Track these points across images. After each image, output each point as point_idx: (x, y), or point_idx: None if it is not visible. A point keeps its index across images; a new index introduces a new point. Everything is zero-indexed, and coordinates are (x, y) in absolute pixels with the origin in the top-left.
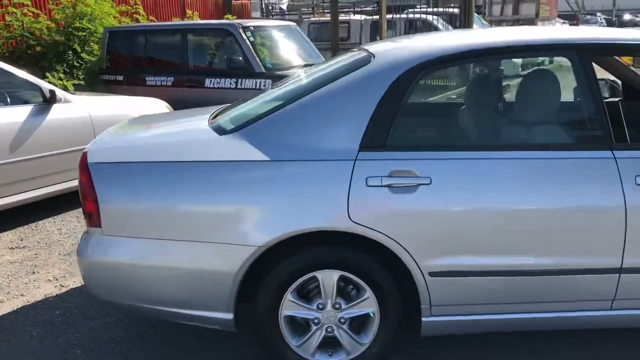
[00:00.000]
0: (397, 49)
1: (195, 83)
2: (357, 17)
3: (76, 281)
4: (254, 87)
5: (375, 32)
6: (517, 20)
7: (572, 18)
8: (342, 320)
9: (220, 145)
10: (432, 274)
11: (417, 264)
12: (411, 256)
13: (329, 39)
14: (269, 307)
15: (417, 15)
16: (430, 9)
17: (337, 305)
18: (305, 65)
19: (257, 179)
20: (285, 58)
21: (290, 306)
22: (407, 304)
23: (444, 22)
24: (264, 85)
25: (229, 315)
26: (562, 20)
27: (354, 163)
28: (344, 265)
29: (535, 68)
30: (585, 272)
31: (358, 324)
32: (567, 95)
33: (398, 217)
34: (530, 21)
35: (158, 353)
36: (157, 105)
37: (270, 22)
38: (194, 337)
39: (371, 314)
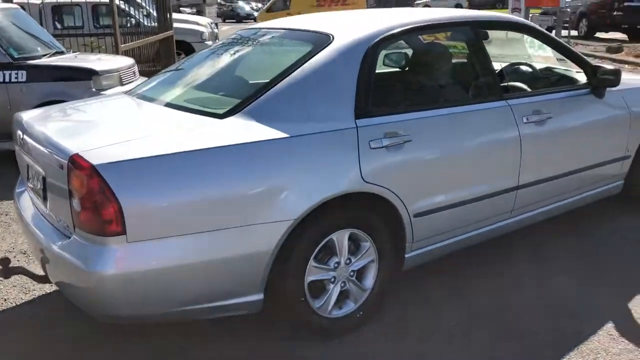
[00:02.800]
0: (348, 27)
1: None
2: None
3: None
4: (3, 80)
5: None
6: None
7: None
8: (352, 273)
9: (231, 128)
10: (415, 215)
11: (407, 210)
12: (403, 204)
13: None
14: (297, 277)
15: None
16: None
17: (348, 261)
18: (57, 53)
19: (279, 157)
20: (28, 45)
21: (313, 272)
22: (395, 244)
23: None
24: (16, 78)
25: (260, 296)
26: None
27: (357, 130)
28: (353, 224)
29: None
30: (501, 192)
31: (360, 273)
32: (473, 62)
33: (395, 172)
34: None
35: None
36: None
37: None
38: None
39: (371, 262)
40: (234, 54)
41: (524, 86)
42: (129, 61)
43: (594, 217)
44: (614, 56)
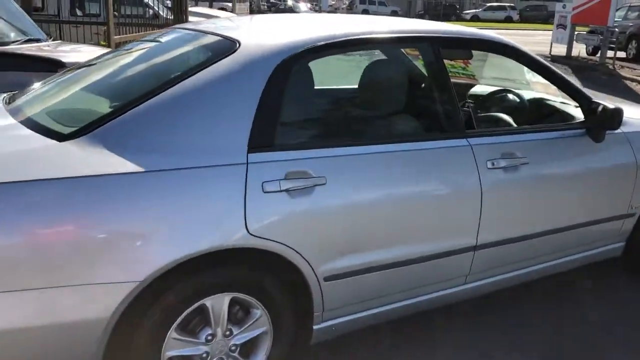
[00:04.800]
0: (261, 34)
1: None
2: None
3: None
4: None
5: (76, 4)
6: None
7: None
8: (233, 348)
9: (70, 156)
10: (327, 279)
11: (314, 271)
12: (309, 264)
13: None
14: (148, 352)
15: None
16: None
17: (227, 333)
18: (30, 41)
19: (125, 198)
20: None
21: (174, 345)
22: (298, 314)
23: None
24: None
25: None
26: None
27: (247, 167)
28: (235, 286)
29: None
30: (451, 253)
31: (247, 347)
32: (426, 87)
33: (297, 223)
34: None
35: None
36: None
37: None
38: None
39: (264, 334)
40: (131, 58)
41: (509, 119)
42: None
43: (588, 280)
44: None
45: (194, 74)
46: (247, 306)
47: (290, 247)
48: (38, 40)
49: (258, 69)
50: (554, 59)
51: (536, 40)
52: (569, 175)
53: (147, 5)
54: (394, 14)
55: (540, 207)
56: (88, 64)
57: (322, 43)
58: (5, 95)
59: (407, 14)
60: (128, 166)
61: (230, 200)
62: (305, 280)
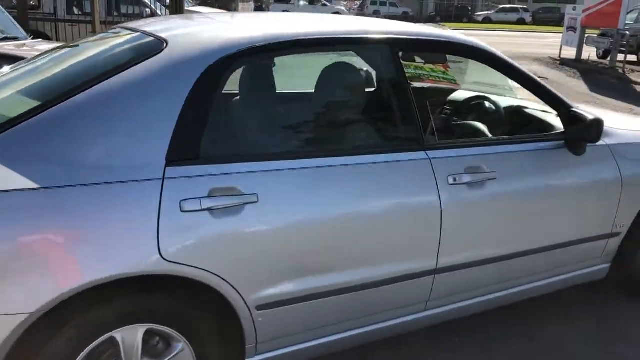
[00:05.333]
0: (194, 33)
1: None
2: None
3: None
4: None
5: (73, 3)
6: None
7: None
8: None
9: None
10: (260, 307)
11: (244, 300)
12: (237, 291)
13: (12, 6)
14: None
15: None
16: None
17: None
18: (4, 39)
19: (23, 217)
20: None
21: None
22: (227, 346)
23: None
24: None
25: None
26: None
27: (162, 183)
28: (150, 316)
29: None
30: (407, 277)
31: None
32: (381, 94)
33: (222, 246)
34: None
35: None
36: None
37: None
38: None
39: None
40: (61, 58)
41: (484, 129)
42: None
43: (573, 304)
44: None
45: (111, 76)
46: (168, 338)
47: (214, 274)
48: (16, 39)
49: (183, 72)
50: (564, 62)
51: (547, 42)
52: (544, 192)
53: (144, 4)
54: (405, 15)
55: (510, 227)
56: (26, 62)
57: (262, 44)
58: None
59: (419, 15)
60: (19, 181)
61: (141, 221)
62: (234, 310)
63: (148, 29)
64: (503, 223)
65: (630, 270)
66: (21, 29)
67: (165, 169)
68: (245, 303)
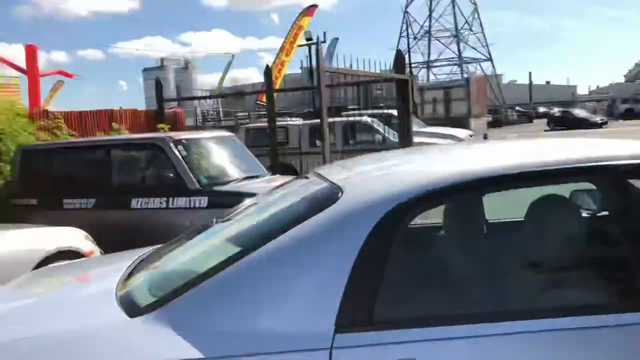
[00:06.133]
0: (371, 179)
1: (119, 204)
2: (295, 121)
3: None
4: (187, 205)
5: (314, 137)
6: (449, 118)
7: (494, 112)
8: None
9: (131, 337)
10: None
11: None
12: None
13: (266, 144)
14: None
15: (356, 118)
16: (365, 110)
17: None
18: (246, 178)
19: None
20: (222, 172)
21: None
22: None
23: (381, 124)
24: (200, 204)
25: None
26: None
27: (330, 353)
28: None
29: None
30: None
31: None
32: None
33: None
34: (463, 119)
35: None
36: (72, 237)
37: (206, 133)
38: None
39: None
40: (251, 210)
41: None
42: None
43: None
44: None
45: (283, 232)
46: None
47: None
48: (257, 177)
49: (353, 226)
50: None
51: None
52: None
53: (377, 131)
54: None
55: None
56: (232, 213)
57: (434, 189)
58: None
59: None
60: (178, 350)
61: None
62: None
63: (333, 177)
64: None
65: None
66: (263, 169)
67: (334, 336)
68: None
